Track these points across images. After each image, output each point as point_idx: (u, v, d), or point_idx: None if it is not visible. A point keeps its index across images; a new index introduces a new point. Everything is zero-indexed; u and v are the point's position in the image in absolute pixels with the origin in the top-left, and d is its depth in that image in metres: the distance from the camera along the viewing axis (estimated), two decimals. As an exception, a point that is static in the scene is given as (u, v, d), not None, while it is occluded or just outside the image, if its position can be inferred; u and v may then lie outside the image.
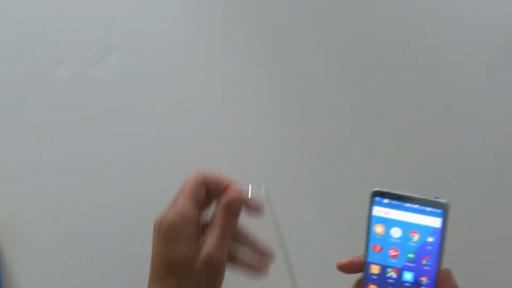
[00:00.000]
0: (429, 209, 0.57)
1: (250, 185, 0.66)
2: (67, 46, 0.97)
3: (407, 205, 0.57)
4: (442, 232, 0.57)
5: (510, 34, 1.01)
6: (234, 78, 0.99)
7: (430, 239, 0.57)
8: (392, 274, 0.57)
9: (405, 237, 0.58)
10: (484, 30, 1.01)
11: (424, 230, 0.57)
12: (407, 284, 0.57)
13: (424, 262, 0.57)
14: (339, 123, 0.99)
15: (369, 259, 0.58)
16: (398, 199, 0.58)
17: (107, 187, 0.94)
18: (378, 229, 0.59)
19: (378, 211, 0.59)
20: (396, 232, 0.58)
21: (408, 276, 0.57)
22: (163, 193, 0.91)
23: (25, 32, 0.97)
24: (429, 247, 0.57)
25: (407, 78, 1.01)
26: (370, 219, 0.59)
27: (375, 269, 0.58)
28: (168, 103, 0.97)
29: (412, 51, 1.01)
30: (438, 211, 0.57)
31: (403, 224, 0.58)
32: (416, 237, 0.57)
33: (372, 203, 0.59)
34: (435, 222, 0.56)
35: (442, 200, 0.57)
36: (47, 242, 0.92)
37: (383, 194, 0.58)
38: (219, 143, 0.96)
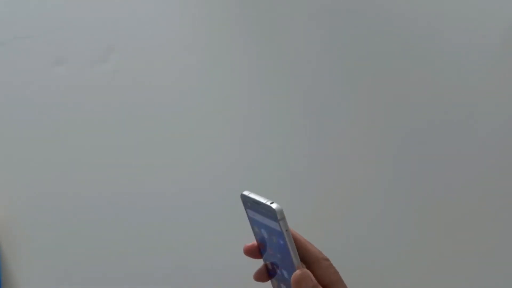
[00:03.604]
0: (269, 213, 0.59)
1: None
2: (67, 46, 0.97)
3: (260, 209, 0.60)
4: (283, 235, 0.59)
5: (510, 34, 1.01)
6: (234, 78, 0.99)
7: (281, 241, 0.59)
8: (277, 270, 0.62)
9: (269, 238, 0.61)
10: (484, 29, 1.01)
11: (274, 232, 0.60)
12: (288, 281, 0.60)
13: (287, 261, 0.60)
14: (340, 123, 0.99)
15: (263, 255, 0.63)
16: (254, 203, 0.61)
17: (107, 187, 0.94)
18: (255, 229, 0.63)
19: (250, 213, 0.62)
20: (264, 233, 0.61)
21: (285, 272, 0.61)
22: (163, 193, 0.91)
23: (25, 32, 0.97)
24: (283, 248, 0.60)
25: (407, 78, 1.01)
26: (249, 220, 0.62)
27: (268, 265, 0.63)
28: (168, 103, 0.97)
29: (412, 51, 1.01)
30: (274, 215, 0.59)
31: (264, 226, 0.61)
32: (274, 239, 0.60)
33: (245, 206, 0.62)
34: (276, 225, 0.59)
35: (273, 205, 0.58)
36: (47, 242, 0.92)
37: (246, 198, 0.61)
38: (219, 143, 0.96)
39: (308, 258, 0.62)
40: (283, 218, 0.59)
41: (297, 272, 0.60)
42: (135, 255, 0.92)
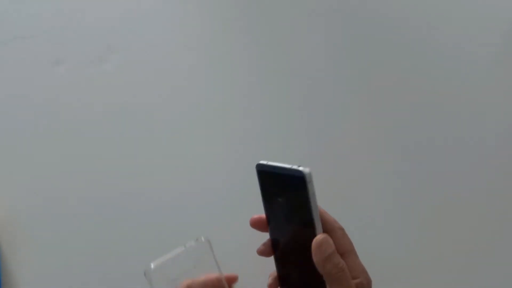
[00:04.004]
0: (293, 180, 0.60)
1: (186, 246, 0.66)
2: (67, 46, 0.97)
3: (281, 177, 0.61)
4: (308, 199, 0.60)
5: (510, 34, 1.01)
6: (235, 78, 0.99)
7: (302, 208, 0.61)
8: (286, 245, 0.64)
9: (287, 208, 0.63)
10: (485, 29, 1.01)
11: (295, 199, 0.62)
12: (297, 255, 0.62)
13: (303, 232, 0.62)
14: (340, 123, 0.99)
15: (271, 230, 0.63)
16: (272, 172, 0.62)
17: (107, 187, 0.94)
18: (269, 202, 0.63)
19: (266, 184, 0.63)
20: (279, 205, 0.62)
21: (296, 246, 0.63)
22: (163, 193, 0.91)
23: (25, 32, 0.97)
24: (304, 215, 0.61)
25: (407, 78, 1.01)
26: (263, 193, 0.62)
27: (274, 240, 0.64)
28: (168, 103, 0.97)
29: (412, 51, 1.01)
30: (301, 180, 0.60)
31: (282, 196, 0.62)
32: (293, 208, 0.62)
33: (260, 177, 0.62)
34: (299, 192, 0.61)
35: (301, 168, 0.59)
36: (47, 242, 0.92)
37: (263, 167, 0.62)
38: (219, 143, 0.96)
39: (324, 226, 0.62)
40: (312, 181, 0.58)
41: (319, 236, 0.60)
42: (136, 255, 0.92)
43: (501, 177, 1.00)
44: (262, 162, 0.62)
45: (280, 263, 0.64)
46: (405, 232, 0.95)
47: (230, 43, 1.00)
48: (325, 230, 0.62)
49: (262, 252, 0.66)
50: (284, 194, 0.61)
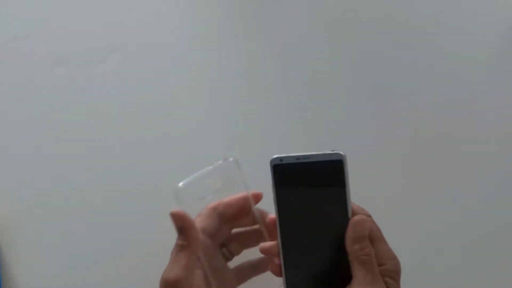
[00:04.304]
0: (323, 166, 0.63)
1: (221, 162, 0.67)
2: (67, 46, 0.97)
3: (306, 166, 0.64)
4: (343, 183, 0.63)
5: (511, 35, 1.01)
6: (236, 78, 0.99)
7: (334, 196, 0.64)
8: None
9: (312, 200, 0.65)
10: (485, 30, 1.02)
11: (323, 187, 0.64)
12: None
13: (332, 220, 0.65)
14: (341, 123, 0.99)
15: (281, 229, 0.65)
16: (295, 162, 0.64)
17: (108, 187, 0.94)
18: (285, 201, 0.64)
19: (282, 181, 0.64)
20: (301, 199, 0.65)
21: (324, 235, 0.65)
22: (163, 193, 0.91)
23: (25, 32, 0.97)
24: (336, 201, 0.64)
25: (407, 78, 1.01)
26: (277, 192, 0.64)
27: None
28: (169, 103, 0.97)
29: (412, 51, 1.01)
30: (336, 163, 0.63)
31: (307, 188, 0.64)
32: (320, 198, 0.64)
33: (275, 172, 0.64)
34: (330, 178, 0.64)
35: (336, 151, 0.62)
36: (47, 242, 0.92)
37: (282, 159, 0.64)
38: (219, 144, 0.96)
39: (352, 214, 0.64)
40: (347, 164, 0.60)
41: (357, 216, 0.62)
42: (136, 255, 0.92)
43: (501, 177, 1.00)
44: (277, 156, 0.62)
45: (292, 257, 0.64)
46: (405, 233, 0.95)
47: (233, 43, 1.00)
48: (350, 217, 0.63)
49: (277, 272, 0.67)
50: (313, 182, 0.62)
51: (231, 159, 0.70)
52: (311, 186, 0.62)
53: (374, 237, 0.64)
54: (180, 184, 0.68)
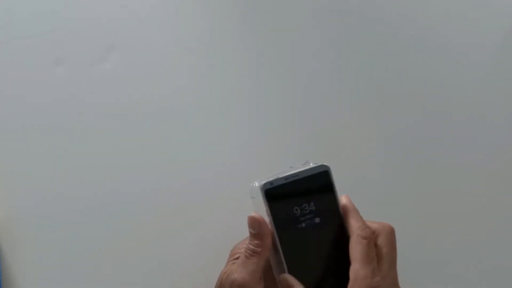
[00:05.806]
0: (313, 181, 0.67)
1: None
2: (67, 46, 0.97)
3: (295, 184, 0.67)
4: (334, 194, 0.68)
5: (510, 34, 1.01)
6: (236, 78, 0.99)
7: (329, 207, 0.69)
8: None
9: (310, 213, 0.68)
10: (485, 30, 1.02)
11: (319, 201, 0.68)
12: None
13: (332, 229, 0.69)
14: (342, 124, 0.99)
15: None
16: (280, 184, 0.67)
17: (108, 187, 0.94)
18: (281, 220, 0.67)
19: (273, 204, 0.66)
20: (296, 215, 0.68)
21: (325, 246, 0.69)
22: (163, 193, 0.91)
23: (25, 32, 0.97)
24: (333, 214, 0.69)
25: (406, 78, 1.01)
26: (272, 215, 0.65)
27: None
28: (169, 103, 0.97)
29: (412, 51, 1.01)
30: (324, 176, 0.67)
31: (301, 204, 0.67)
32: (318, 211, 0.68)
33: (266, 197, 0.65)
34: (323, 193, 0.68)
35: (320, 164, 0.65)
36: (47, 242, 0.92)
37: (267, 185, 0.66)
38: (219, 144, 0.96)
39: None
40: (331, 172, 0.63)
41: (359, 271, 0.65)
42: (136, 255, 0.92)
43: (501, 178, 1.00)
44: (264, 182, 0.64)
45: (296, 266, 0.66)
46: (406, 233, 0.96)
47: (231, 43, 1.00)
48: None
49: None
50: (305, 197, 0.64)
51: (311, 164, 0.69)
52: (304, 200, 0.65)
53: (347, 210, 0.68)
54: (256, 183, 0.68)
